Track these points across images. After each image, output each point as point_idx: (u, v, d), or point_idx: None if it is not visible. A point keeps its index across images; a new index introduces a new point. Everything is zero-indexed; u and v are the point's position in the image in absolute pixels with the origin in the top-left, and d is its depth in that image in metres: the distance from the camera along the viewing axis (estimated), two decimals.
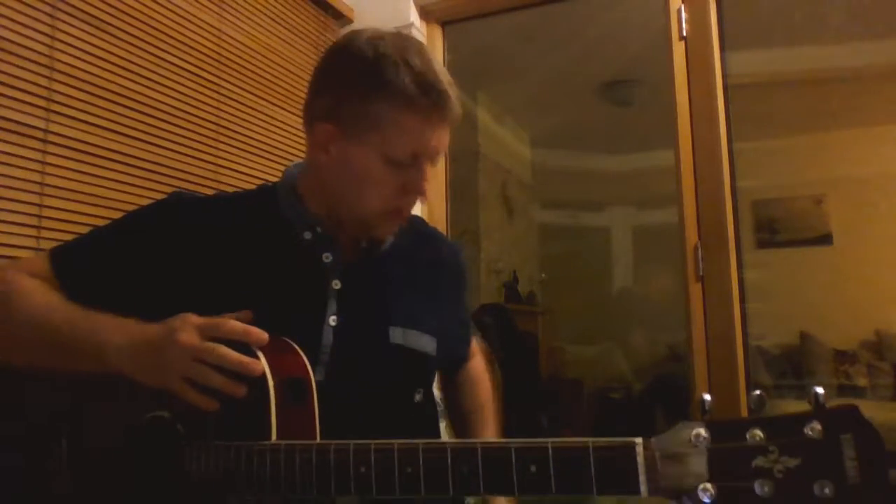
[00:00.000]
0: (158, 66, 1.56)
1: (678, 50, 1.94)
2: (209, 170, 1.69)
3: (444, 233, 2.27)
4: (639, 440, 0.54)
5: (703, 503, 0.50)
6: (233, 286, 0.85)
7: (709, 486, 0.50)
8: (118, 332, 0.77)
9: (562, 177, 5.25)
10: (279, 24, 2.00)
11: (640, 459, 0.53)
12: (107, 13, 1.44)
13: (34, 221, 1.27)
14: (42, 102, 1.29)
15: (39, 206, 1.28)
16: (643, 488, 0.53)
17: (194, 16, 1.67)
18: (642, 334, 4.64)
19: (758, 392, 0.53)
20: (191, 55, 1.65)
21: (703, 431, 0.52)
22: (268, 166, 1.87)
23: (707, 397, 0.55)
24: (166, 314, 0.76)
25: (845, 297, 3.87)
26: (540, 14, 2.42)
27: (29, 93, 1.27)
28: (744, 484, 0.49)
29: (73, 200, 1.34)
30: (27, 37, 1.27)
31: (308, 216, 0.90)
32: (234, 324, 0.72)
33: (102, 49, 1.42)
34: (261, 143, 1.86)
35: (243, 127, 1.81)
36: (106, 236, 0.92)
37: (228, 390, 0.71)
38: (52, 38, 1.32)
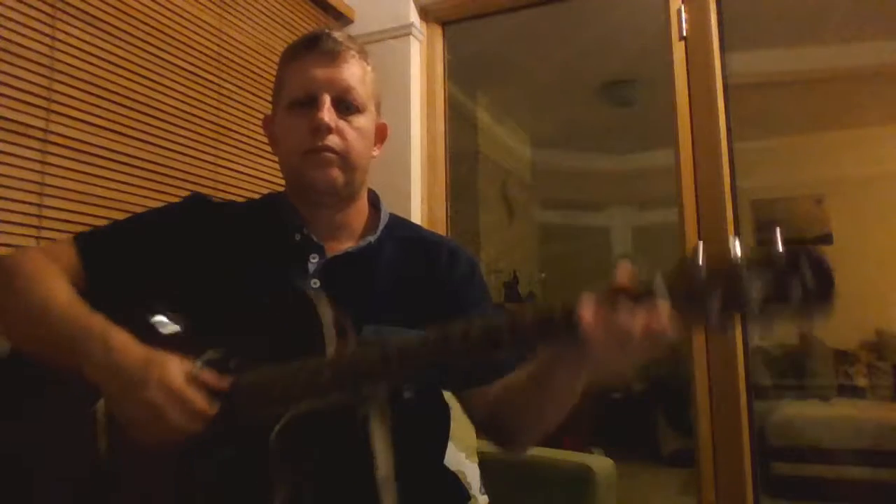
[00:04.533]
0: (158, 66, 1.56)
1: (678, 50, 1.94)
2: (209, 170, 1.69)
3: (446, 233, 2.27)
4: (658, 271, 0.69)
5: (712, 309, 0.64)
6: (230, 279, 0.91)
7: (717, 293, 0.64)
8: (103, 348, 0.75)
9: (562, 177, 5.24)
10: (279, 24, 2.00)
11: (658, 281, 0.68)
12: (107, 13, 1.44)
13: (34, 221, 1.27)
14: (42, 102, 1.29)
15: (39, 206, 1.28)
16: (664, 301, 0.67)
17: (194, 16, 1.68)
18: None
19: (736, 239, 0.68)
20: (191, 55, 1.65)
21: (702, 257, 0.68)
22: (268, 166, 1.87)
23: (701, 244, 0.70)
24: (178, 299, 0.86)
25: (845, 297, 3.84)
26: (540, 14, 2.41)
27: (29, 93, 1.27)
28: (742, 293, 0.64)
29: (73, 200, 1.34)
30: (27, 37, 1.27)
31: (297, 219, 0.97)
32: None
33: (102, 49, 1.42)
34: (261, 143, 1.85)
35: (243, 127, 1.81)
36: (129, 226, 0.99)
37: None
38: (52, 38, 1.32)
